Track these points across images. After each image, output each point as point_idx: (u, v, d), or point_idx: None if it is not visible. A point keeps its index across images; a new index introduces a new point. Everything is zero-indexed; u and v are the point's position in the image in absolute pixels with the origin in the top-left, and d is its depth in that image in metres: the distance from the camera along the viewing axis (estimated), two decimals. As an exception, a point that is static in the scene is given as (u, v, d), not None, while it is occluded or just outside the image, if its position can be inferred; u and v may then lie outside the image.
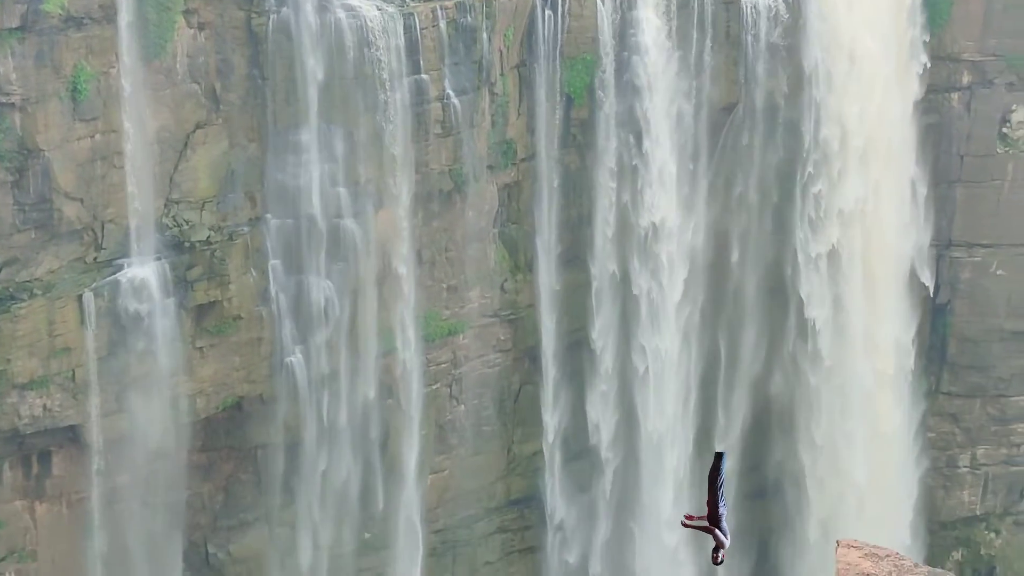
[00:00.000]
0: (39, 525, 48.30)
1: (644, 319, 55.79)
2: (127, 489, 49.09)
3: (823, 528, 57.09)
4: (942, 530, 61.98)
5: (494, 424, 56.02)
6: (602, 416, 56.36)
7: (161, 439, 48.99)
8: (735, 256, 56.85)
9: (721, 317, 57.30)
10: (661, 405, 56.60)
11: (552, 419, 56.00)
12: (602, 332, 55.91)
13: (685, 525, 17.48)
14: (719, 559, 17.35)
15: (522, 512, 57.09)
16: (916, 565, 17.71)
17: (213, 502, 51.47)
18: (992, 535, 62.92)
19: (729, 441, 57.94)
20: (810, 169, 56.58)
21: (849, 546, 17.86)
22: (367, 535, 53.14)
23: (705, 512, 17.06)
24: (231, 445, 51.45)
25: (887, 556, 17.74)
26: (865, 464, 58.75)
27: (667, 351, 56.23)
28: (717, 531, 17.09)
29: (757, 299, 57.41)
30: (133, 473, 49.03)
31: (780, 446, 58.93)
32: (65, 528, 48.70)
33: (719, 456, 16.99)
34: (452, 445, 55.18)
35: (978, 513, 62.72)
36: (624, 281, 55.67)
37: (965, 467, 62.19)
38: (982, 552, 62.31)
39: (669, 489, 56.89)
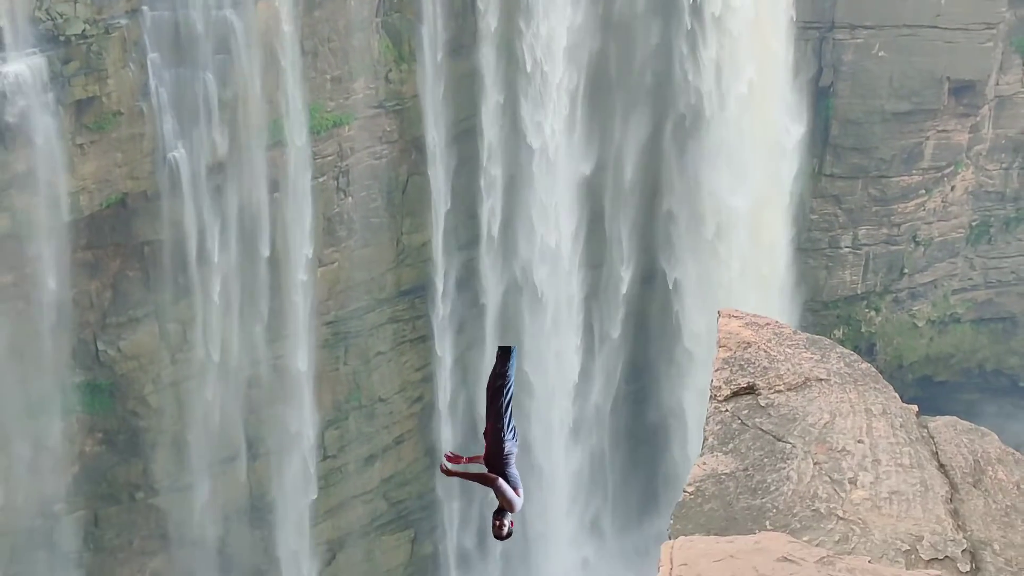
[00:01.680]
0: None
1: (532, 98, 55.75)
2: (12, 288, 48.65)
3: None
4: (824, 309, 63.33)
5: (382, 216, 55.99)
6: (490, 204, 56.55)
7: (45, 237, 48.46)
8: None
9: (609, 98, 57.35)
10: (552, 186, 56.84)
11: (440, 209, 56.07)
12: (490, 119, 55.79)
13: (447, 472, 12.67)
14: (505, 531, 12.75)
15: (412, 302, 57.44)
16: (795, 332, 18.07)
17: (101, 299, 51.19)
18: (872, 313, 64.44)
19: (620, 192, 58.56)
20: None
21: (730, 316, 18.15)
22: (257, 328, 53.27)
23: (481, 449, 12.40)
24: (117, 242, 51.00)
25: (767, 324, 18.07)
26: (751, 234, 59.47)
27: (555, 130, 56.37)
28: (501, 482, 12.29)
29: (643, 74, 57.48)
30: (17, 272, 48.55)
31: (667, 198, 59.54)
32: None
33: (505, 353, 12.22)
34: (341, 237, 55.13)
35: (859, 292, 64.11)
36: (511, 63, 55.43)
37: (847, 247, 63.32)
38: (863, 330, 63.85)
39: (557, 271, 57.64)
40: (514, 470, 12.22)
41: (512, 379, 11.94)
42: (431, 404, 58.27)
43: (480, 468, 12.31)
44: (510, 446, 12.24)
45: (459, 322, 57.80)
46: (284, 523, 54.90)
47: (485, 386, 12.45)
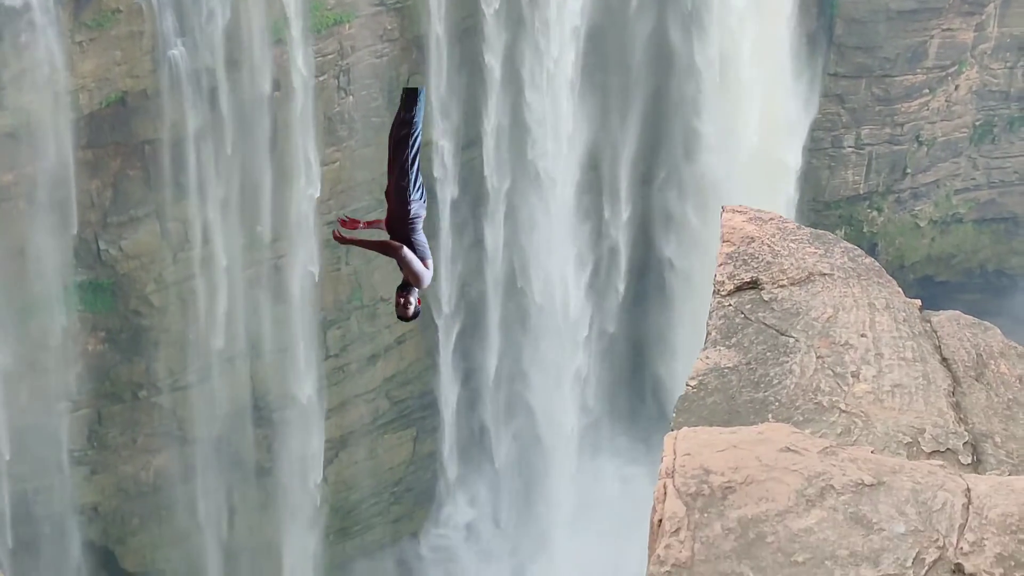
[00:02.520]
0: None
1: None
2: (12, 188, 48.59)
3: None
4: (826, 209, 63.26)
5: (383, 115, 55.71)
6: (493, 103, 56.28)
7: (44, 136, 48.31)
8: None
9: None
10: (553, 96, 56.60)
11: (441, 108, 55.82)
12: (494, 18, 55.41)
13: (341, 239, 11.24)
14: (411, 310, 11.34)
15: (413, 201, 57.22)
16: (799, 227, 18.04)
17: (102, 199, 51.11)
18: (875, 213, 64.37)
19: (627, 131, 58.33)
20: None
21: (734, 211, 18.12)
22: (259, 228, 53.26)
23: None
24: (117, 141, 50.83)
25: (771, 219, 18.04)
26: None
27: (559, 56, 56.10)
28: (406, 251, 10.68)
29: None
30: (17, 171, 48.47)
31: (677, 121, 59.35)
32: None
33: (411, 96, 10.64)
34: (342, 137, 54.94)
35: (861, 192, 63.98)
36: None
37: (850, 147, 63.11)
38: (864, 230, 63.80)
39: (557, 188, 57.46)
40: (421, 236, 10.76)
41: (419, 126, 10.39)
42: (432, 303, 58.38)
43: (381, 234, 10.82)
44: (416, 207, 10.79)
45: (462, 220, 57.72)
46: (286, 422, 55.20)
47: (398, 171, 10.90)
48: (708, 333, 16.87)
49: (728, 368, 16.03)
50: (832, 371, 15.52)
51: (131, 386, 52.81)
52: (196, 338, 52.92)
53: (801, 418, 14.78)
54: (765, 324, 16.48)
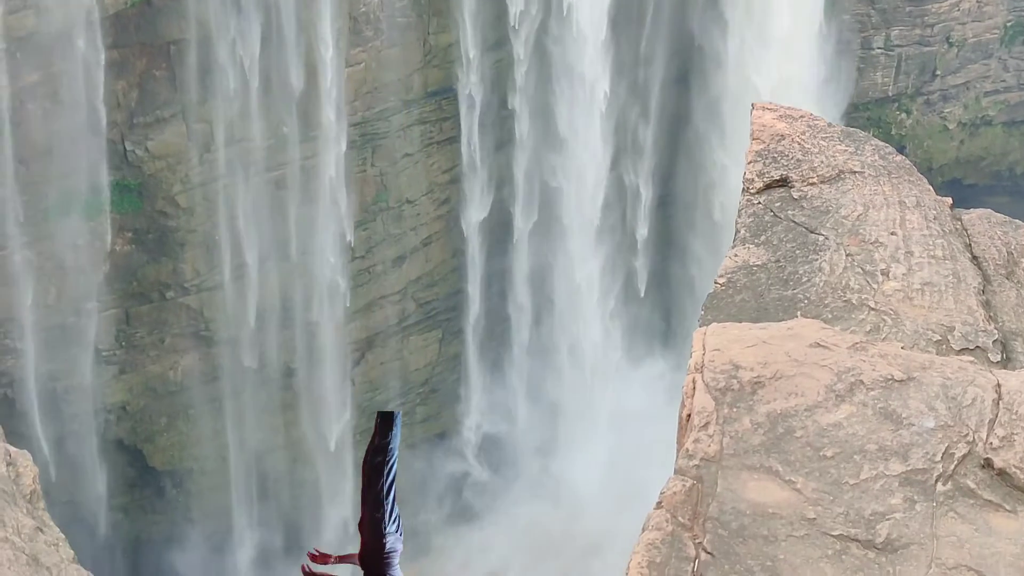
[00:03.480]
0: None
1: None
2: (39, 88, 48.53)
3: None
4: (854, 111, 62.80)
5: (409, 15, 55.35)
6: (519, 4, 55.83)
7: (70, 36, 48.17)
8: None
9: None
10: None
11: (467, 8, 55.41)
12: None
13: (308, 575, 10.03)
14: None
15: (440, 104, 57.11)
16: (830, 125, 17.97)
17: (128, 99, 51.02)
18: (903, 115, 63.94)
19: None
20: None
21: (764, 108, 18.03)
22: (285, 129, 53.13)
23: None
24: (143, 41, 50.63)
25: (801, 117, 17.95)
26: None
27: None
28: None
29: None
30: (44, 71, 48.39)
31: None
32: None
33: (386, 421, 9.65)
34: (367, 37, 54.61)
35: (890, 94, 63.51)
36: None
37: (879, 48, 62.54)
38: (893, 132, 63.38)
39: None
40: (397, 572, 9.78)
41: (395, 454, 9.53)
42: (458, 206, 58.33)
43: (355, 571, 9.88)
44: (393, 541, 9.86)
45: (488, 122, 57.49)
46: (312, 323, 55.41)
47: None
48: (737, 231, 16.84)
49: (757, 266, 16.02)
50: (862, 269, 15.50)
51: (158, 286, 53.02)
52: (222, 239, 53.02)
53: (830, 316, 14.78)
54: (794, 222, 16.45)
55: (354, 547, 9.94)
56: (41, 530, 11.00)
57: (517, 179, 58.16)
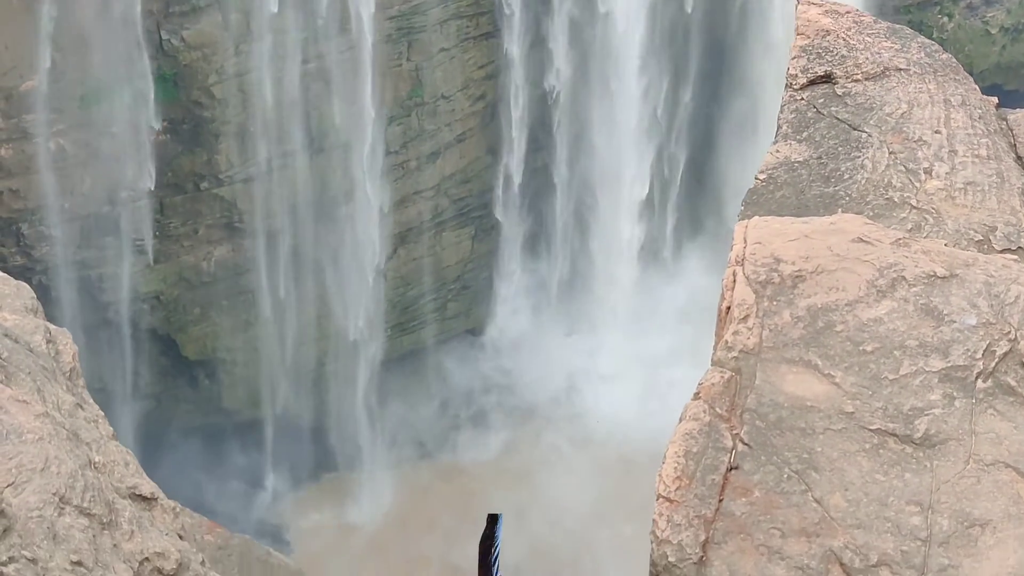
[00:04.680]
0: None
1: None
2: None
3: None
4: (895, 14, 62.03)
5: None
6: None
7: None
8: None
9: None
10: None
11: None
12: None
13: None
14: None
15: (476, -3, 56.77)
16: (876, 21, 17.75)
17: (164, -12, 50.84)
18: (944, 19, 63.23)
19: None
20: None
21: (809, 3, 17.80)
22: (320, 21, 52.79)
23: None
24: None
25: (847, 13, 17.73)
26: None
27: None
28: None
29: None
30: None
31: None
32: (14, 9, 48.21)
33: (492, 519, 11.56)
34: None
35: (932, -3, 62.97)
36: None
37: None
38: (934, 35, 62.51)
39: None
40: None
41: (499, 544, 11.07)
42: (494, 102, 58.01)
43: None
44: None
45: (526, 21, 57.00)
46: (346, 218, 55.42)
47: None
48: (779, 127, 16.72)
49: (798, 162, 15.92)
50: (904, 167, 15.38)
51: (193, 177, 53.05)
52: (256, 131, 52.93)
53: (871, 213, 14.69)
54: (837, 119, 16.31)
55: None
56: (81, 406, 11.09)
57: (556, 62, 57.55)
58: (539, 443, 57.23)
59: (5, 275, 12.80)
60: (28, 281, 14.06)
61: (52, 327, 12.08)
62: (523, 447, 57.44)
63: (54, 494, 9.61)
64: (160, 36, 51.12)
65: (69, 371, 11.59)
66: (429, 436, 58.13)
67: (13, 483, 9.46)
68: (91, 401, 11.56)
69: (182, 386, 55.60)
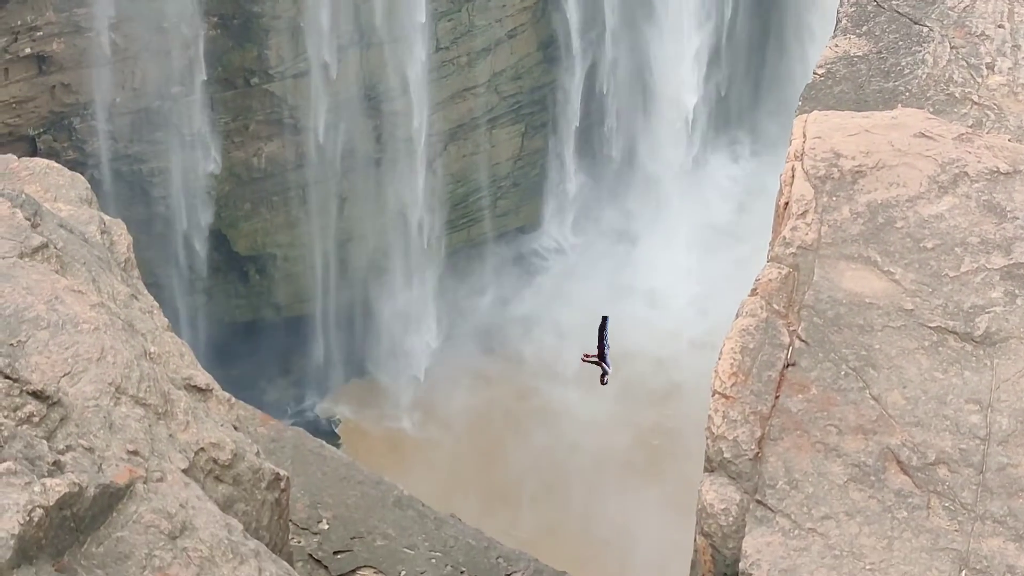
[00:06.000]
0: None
1: None
2: None
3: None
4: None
5: None
6: None
7: None
8: None
9: None
10: None
11: None
12: None
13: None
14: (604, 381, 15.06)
15: None
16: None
17: None
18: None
19: None
20: None
21: None
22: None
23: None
24: None
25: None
26: None
27: None
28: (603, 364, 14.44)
29: None
30: None
31: None
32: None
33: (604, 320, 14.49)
34: None
35: None
36: None
37: None
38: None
39: None
40: (608, 363, 13.86)
41: (607, 339, 13.61)
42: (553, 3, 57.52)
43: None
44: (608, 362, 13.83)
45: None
46: (397, 113, 55.21)
47: None
48: (838, 20, 16.45)
49: (858, 57, 15.67)
50: (966, 62, 15.12)
51: (243, 72, 52.89)
52: (307, 27, 52.65)
53: (932, 109, 14.47)
54: (898, 12, 16.02)
55: None
56: (136, 297, 11.07)
57: None
58: (584, 324, 56.95)
59: (59, 166, 12.77)
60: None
61: (107, 217, 12.05)
62: (571, 328, 57.06)
63: (110, 384, 9.62)
64: (212, -70, 50.88)
65: (124, 262, 11.58)
66: (482, 332, 58.27)
67: (69, 372, 9.48)
68: (146, 292, 11.54)
69: (233, 281, 55.86)
